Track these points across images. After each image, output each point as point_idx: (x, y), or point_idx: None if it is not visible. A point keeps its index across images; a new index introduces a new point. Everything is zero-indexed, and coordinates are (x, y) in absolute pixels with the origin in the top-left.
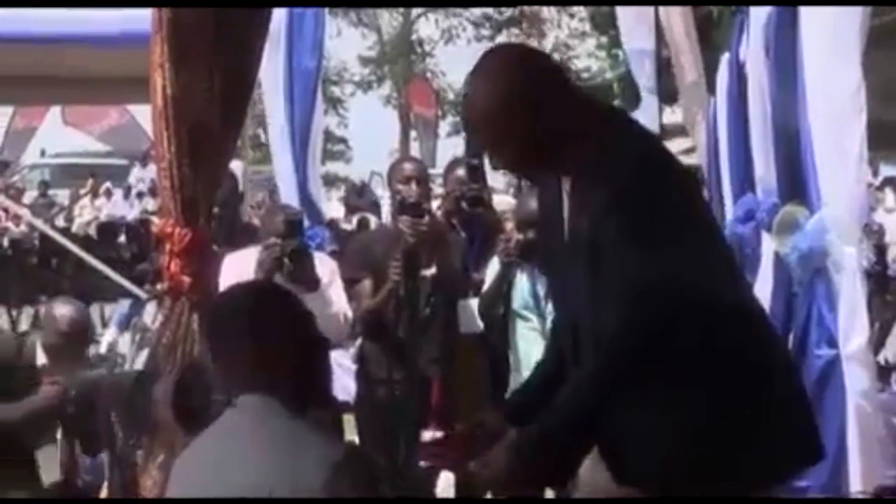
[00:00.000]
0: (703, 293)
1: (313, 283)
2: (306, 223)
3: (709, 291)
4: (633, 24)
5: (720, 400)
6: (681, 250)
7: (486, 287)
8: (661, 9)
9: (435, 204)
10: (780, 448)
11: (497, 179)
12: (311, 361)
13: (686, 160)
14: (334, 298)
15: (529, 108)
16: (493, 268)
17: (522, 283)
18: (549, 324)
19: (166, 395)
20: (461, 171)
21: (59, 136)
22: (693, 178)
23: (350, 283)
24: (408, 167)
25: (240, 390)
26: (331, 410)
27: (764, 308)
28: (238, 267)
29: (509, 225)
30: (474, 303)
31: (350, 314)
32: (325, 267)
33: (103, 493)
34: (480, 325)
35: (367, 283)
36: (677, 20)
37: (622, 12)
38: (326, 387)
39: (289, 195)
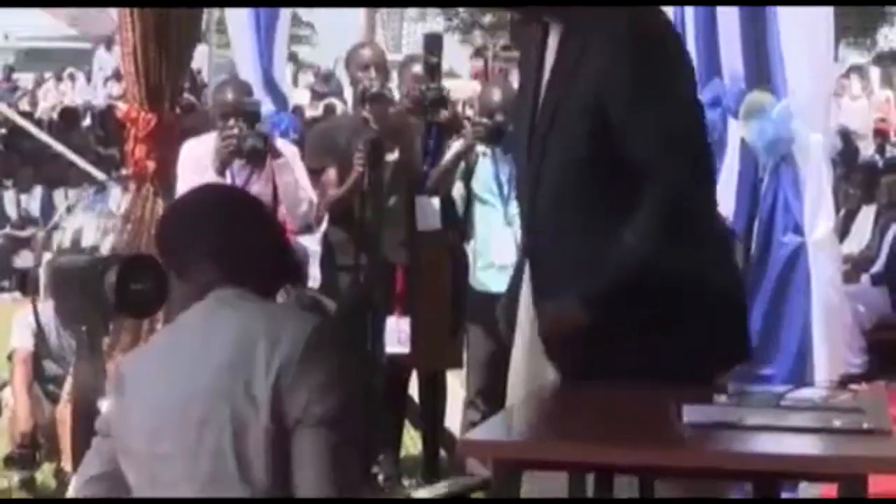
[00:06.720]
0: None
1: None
2: (272, 109)
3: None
4: None
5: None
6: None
7: (442, 162)
8: None
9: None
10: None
11: (461, 66)
12: (276, 250)
13: None
14: (299, 181)
15: None
16: (453, 148)
17: (485, 168)
18: (511, 209)
19: (109, 281)
20: (417, 69)
21: (21, 17)
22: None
23: (314, 173)
24: (366, 54)
25: (207, 288)
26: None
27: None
28: (196, 153)
29: (470, 111)
30: (435, 201)
31: (314, 198)
32: (286, 151)
33: (68, 382)
34: (438, 222)
35: (331, 172)
36: None
37: None
38: (292, 268)
39: (250, 80)
